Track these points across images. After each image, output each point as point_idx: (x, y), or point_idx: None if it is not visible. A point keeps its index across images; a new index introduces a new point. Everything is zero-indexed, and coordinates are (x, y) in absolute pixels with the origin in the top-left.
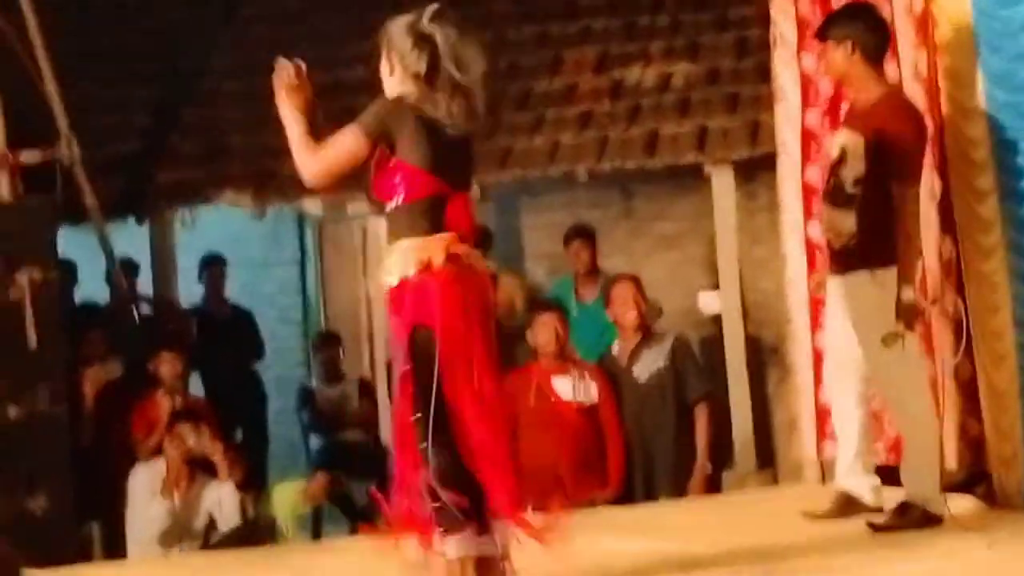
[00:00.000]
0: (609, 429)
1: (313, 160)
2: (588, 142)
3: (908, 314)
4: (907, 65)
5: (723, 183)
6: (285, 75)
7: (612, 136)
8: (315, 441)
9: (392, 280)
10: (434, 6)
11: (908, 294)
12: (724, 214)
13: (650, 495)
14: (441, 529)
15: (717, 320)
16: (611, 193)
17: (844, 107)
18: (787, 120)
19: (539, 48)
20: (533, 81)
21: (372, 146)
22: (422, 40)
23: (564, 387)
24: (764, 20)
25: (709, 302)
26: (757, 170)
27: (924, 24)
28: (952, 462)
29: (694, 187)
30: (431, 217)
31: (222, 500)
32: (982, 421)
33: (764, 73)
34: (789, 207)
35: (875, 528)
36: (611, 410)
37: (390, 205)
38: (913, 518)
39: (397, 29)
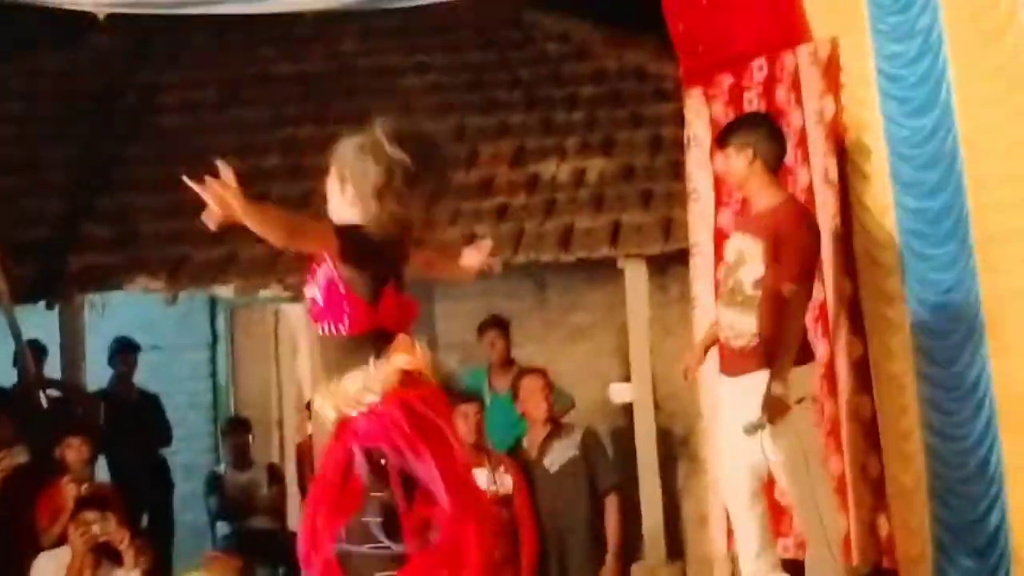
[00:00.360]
0: (523, 521)
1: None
2: (504, 234)
3: (775, 407)
4: (817, 170)
5: (636, 276)
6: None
7: (528, 229)
8: (222, 528)
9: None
10: (385, 121)
11: (778, 388)
12: (636, 307)
13: None
14: None
15: (627, 411)
16: (525, 284)
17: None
18: (701, 219)
19: (456, 141)
20: (450, 173)
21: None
22: (380, 157)
23: (479, 478)
24: (678, 118)
25: (620, 393)
26: (669, 264)
27: (835, 130)
28: (860, 559)
29: (607, 279)
30: (377, 347)
31: None
32: (890, 519)
33: (677, 170)
34: (702, 302)
35: None
36: (525, 502)
37: (330, 329)
38: None
39: (352, 146)
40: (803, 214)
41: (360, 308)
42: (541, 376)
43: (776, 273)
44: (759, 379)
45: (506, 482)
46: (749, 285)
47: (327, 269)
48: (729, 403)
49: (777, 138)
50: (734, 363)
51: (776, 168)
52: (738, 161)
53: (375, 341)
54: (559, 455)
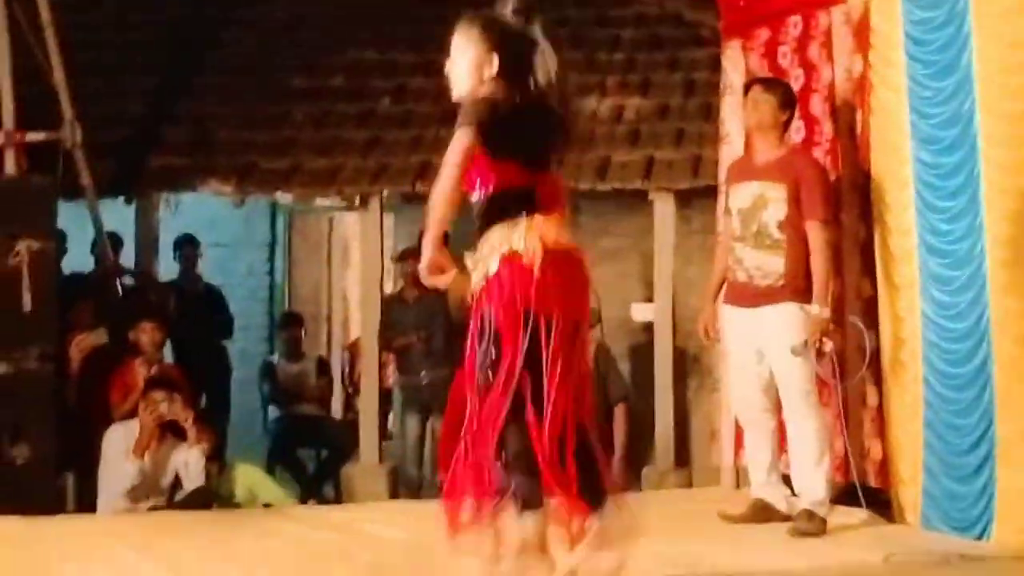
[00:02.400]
0: None
1: (445, 187)
2: None
3: (820, 327)
4: (843, 122)
5: (664, 208)
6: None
7: (568, 160)
8: (273, 412)
9: (492, 265)
10: (511, 4)
11: (824, 312)
12: (663, 236)
13: None
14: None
15: (647, 329)
16: None
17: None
18: (730, 159)
19: None
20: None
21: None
22: (507, 36)
23: None
24: (712, 64)
25: (642, 312)
26: (695, 198)
27: (862, 87)
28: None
29: (637, 208)
30: (523, 204)
31: (189, 463)
32: (886, 443)
33: (708, 112)
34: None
35: (795, 534)
36: None
37: (478, 195)
38: (815, 523)
39: (479, 27)
40: (815, 161)
41: (493, 167)
42: None
43: (800, 214)
44: (788, 309)
45: None
46: (775, 227)
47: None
48: (746, 331)
49: (792, 97)
50: (757, 297)
51: (786, 121)
52: (772, 106)
53: (526, 196)
54: None
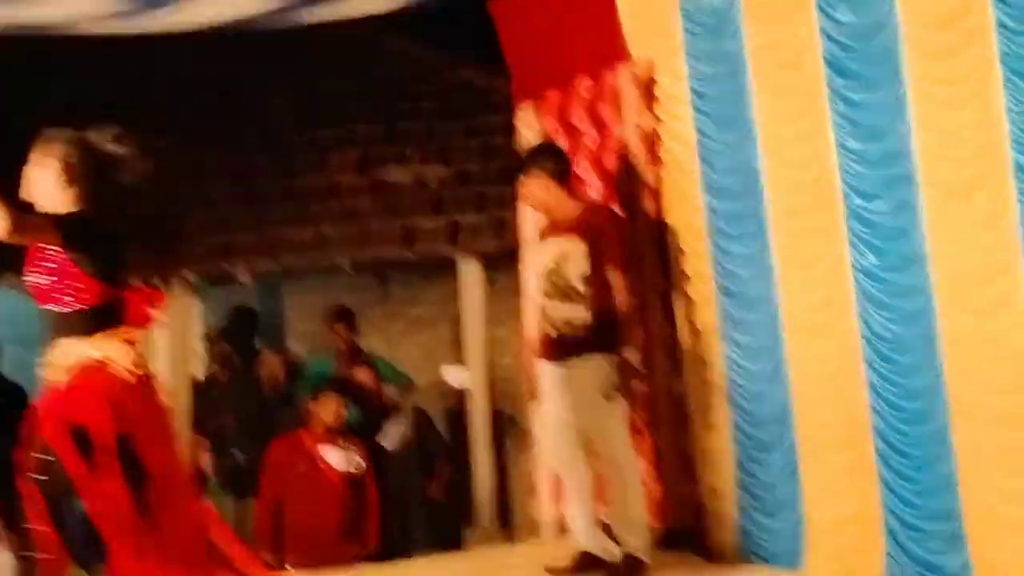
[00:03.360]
0: (370, 495)
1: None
2: (350, 234)
3: (626, 372)
4: (638, 178)
5: (471, 272)
6: None
7: (372, 229)
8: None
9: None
10: (114, 129)
11: (630, 355)
12: (471, 300)
13: (405, 549)
14: None
15: (460, 393)
16: (368, 279)
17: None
18: (530, 218)
19: (307, 149)
20: (300, 179)
21: (49, 238)
22: (99, 156)
23: (335, 457)
24: (508, 127)
25: (455, 377)
26: (500, 260)
27: (652, 142)
28: (668, 521)
29: (443, 275)
30: (107, 319)
31: None
32: (700, 484)
33: (508, 175)
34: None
35: None
36: (371, 479)
37: (63, 308)
38: (637, 568)
39: (73, 147)
40: (613, 214)
41: (89, 283)
42: (369, 368)
43: (601, 266)
44: (595, 361)
45: (358, 462)
46: (578, 281)
47: (54, 254)
48: (556, 382)
49: (562, 157)
50: (565, 349)
51: (565, 180)
52: (536, 186)
53: (111, 311)
54: (394, 434)
